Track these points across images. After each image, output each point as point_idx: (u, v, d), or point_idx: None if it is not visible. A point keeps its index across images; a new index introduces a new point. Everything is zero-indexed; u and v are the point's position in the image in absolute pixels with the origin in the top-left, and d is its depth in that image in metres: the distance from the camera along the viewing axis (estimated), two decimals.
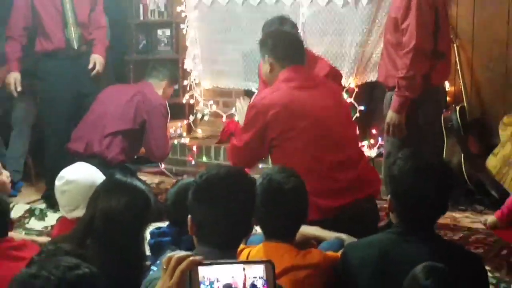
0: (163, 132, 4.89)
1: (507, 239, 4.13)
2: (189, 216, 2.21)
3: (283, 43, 3.74)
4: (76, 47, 4.98)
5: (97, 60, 5.04)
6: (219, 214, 2.15)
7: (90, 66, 5.01)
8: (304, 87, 3.64)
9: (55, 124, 5.01)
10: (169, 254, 1.63)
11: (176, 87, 5.71)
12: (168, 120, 5.02)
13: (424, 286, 2.08)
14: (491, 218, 4.34)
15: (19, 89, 4.95)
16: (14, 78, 4.94)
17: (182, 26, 5.97)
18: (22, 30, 4.94)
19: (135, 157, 5.21)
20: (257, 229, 2.77)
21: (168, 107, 4.96)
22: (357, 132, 4.15)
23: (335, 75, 4.37)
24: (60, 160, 4.81)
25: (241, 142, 3.66)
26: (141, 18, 6.27)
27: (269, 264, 1.60)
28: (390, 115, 4.01)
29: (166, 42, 6.32)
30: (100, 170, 3.45)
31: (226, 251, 2.11)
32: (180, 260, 1.59)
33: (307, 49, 4.30)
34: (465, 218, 4.57)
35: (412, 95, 3.94)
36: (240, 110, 4.29)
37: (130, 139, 4.82)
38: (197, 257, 1.58)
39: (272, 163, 3.86)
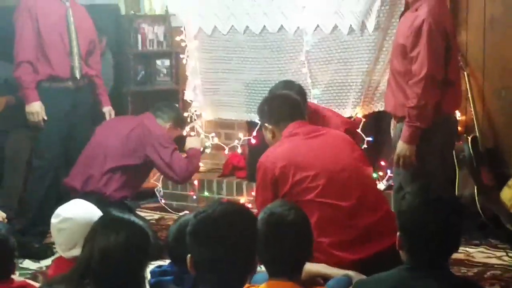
0: (172, 160, 4.78)
1: None
2: (189, 254, 2.23)
3: (277, 105, 3.89)
4: (78, 77, 4.98)
5: (112, 113, 5.26)
6: (217, 254, 2.17)
7: (107, 118, 5.20)
8: (308, 138, 3.74)
9: (47, 158, 4.96)
10: None
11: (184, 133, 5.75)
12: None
13: None
14: None
15: (45, 118, 4.86)
16: (40, 108, 4.82)
17: (182, 56, 6.03)
18: (34, 53, 4.83)
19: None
20: (262, 266, 2.78)
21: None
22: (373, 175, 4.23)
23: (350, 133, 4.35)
24: (46, 199, 4.81)
25: (258, 208, 3.63)
26: (140, 48, 6.34)
27: None
28: (401, 146, 4.02)
29: (165, 72, 6.38)
30: (98, 207, 3.47)
31: None
32: None
33: (314, 106, 4.44)
34: (480, 253, 4.57)
35: (424, 125, 3.95)
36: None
37: (131, 174, 4.83)
38: None
39: None
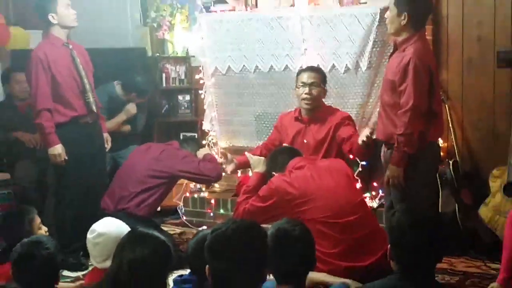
0: (200, 168, 4.84)
1: None
2: (207, 266, 2.23)
3: (277, 156, 4.33)
4: (96, 110, 4.87)
5: (108, 139, 5.15)
6: (231, 266, 2.16)
7: (107, 146, 5.10)
8: (312, 168, 4.07)
9: (73, 189, 4.81)
10: None
11: None
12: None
13: None
14: (495, 285, 3.85)
15: (66, 158, 4.70)
16: (62, 149, 4.67)
17: (200, 91, 6.04)
18: (51, 100, 4.67)
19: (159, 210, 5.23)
20: (271, 275, 2.76)
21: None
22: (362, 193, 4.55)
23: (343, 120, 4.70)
24: (75, 223, 4.68)
25: (254, 207, 4.06)
26: (164, 85, 6.38)
27: None
28: (391, 168, 4.01)
29: (186, 106, 6.44)
30: (127, 224, 3.48)
31: None
32: None
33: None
34: (461, 263, 4.52)
35: (410, 151, 3.94)
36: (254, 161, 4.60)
37: (158, 193, 4.83)
38: None
39: None
